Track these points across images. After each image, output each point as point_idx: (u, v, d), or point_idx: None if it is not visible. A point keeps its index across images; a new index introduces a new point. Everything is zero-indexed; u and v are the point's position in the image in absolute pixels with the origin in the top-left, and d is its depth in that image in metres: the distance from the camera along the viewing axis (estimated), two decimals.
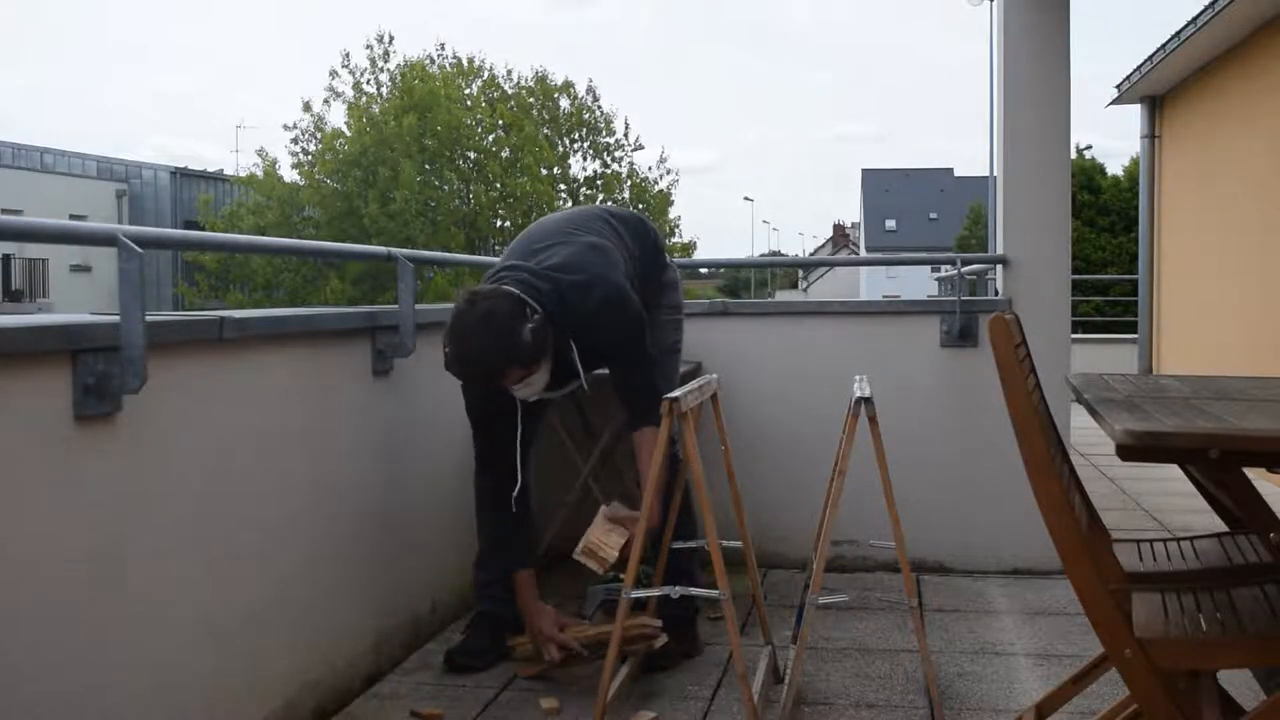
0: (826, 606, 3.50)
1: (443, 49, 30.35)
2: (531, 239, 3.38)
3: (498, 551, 3.44)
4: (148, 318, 2.26)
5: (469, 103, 26.21)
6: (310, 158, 25.74)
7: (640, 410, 3.24)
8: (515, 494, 3.31)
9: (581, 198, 27.86)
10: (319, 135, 25.78)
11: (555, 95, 28.17)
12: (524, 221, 26.01)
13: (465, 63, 26.92)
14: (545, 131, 27.08)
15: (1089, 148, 19.55)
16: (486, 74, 27.32)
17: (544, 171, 26.35)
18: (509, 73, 28.07)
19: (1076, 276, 11.04)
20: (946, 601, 4.06)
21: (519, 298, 3.06)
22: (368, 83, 26.00)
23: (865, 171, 67.75)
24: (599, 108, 28.51)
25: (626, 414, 3.36)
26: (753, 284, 56.21)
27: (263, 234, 22.98)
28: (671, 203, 28.87)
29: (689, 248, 29.23)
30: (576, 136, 28.36)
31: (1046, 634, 3.64)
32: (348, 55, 26.06)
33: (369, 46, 26.11)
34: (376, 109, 25.47)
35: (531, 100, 27.72)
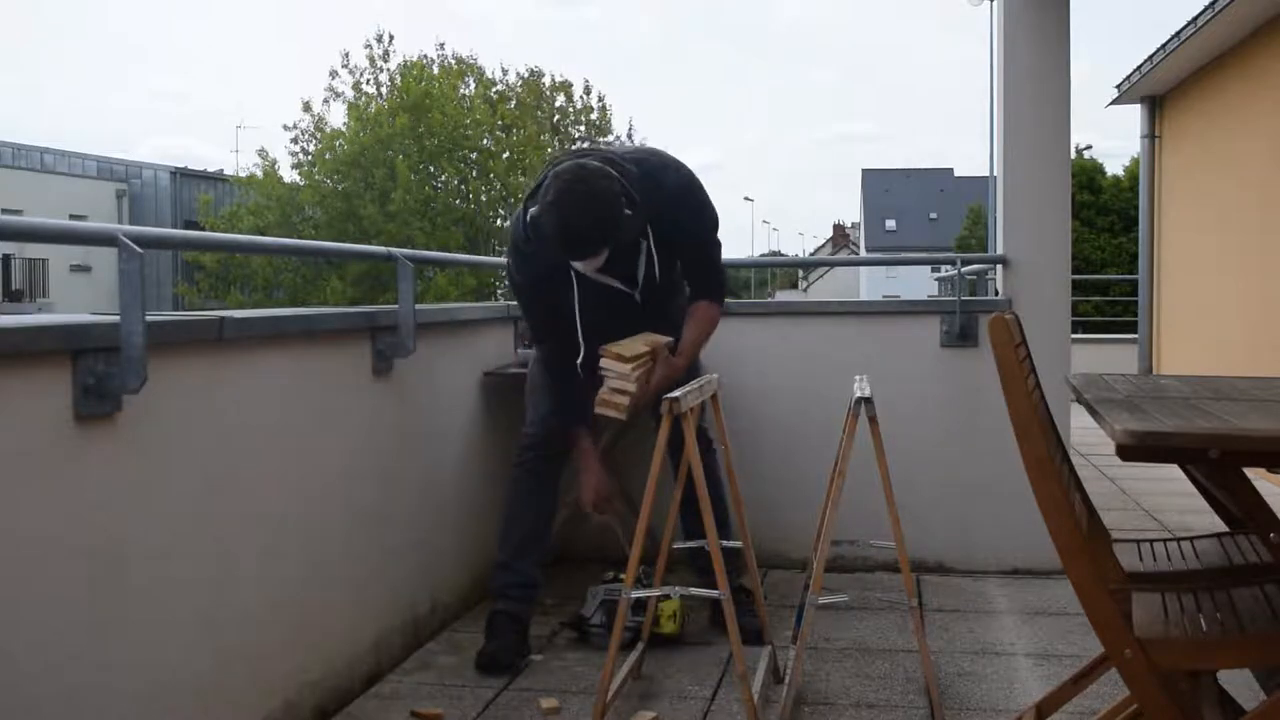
0: (826, 606, 3.50)
1: (442, 48, 30.38)
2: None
3: (564, 411, 3.47)
4: (148, 318, 2.26)
5: (467, 103, 26.18)
6: (310, 158, 25.73)
7: (707, 285, 3.45)
8: (580, 360, 3.31)
9: None
10: (319, 135, 25.78)
11: (551, 94, 28.14)
12: None
13: (456, 63, 26.89)
14: (544, 135, 27.06)
15: (1089, 148, 19.60)
16: (483, 73, 27.29)
17: None
18: (505, 72, 28.10)
19: (1076, 276, 11.04)
20: (946, 601, 4.06)
21: (620, 180, 3.09)
22: (367, 83, 26.01)
23: (865, 171, 67.74)
24: (601, 107, 28.52)
25: (691, 289, 3.47)
26: (753, 284, 56.19)
27: (263, 234, 22.96)
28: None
29: None
30: (577, 136, 28.34)
31: (1046, 634, 3.64)
32: (347, 55, 26.07)
33: (368, 46, 26.12)
34: (374, 108, 25.46)
35: (530, 100, 27.70)
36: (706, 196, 3.40)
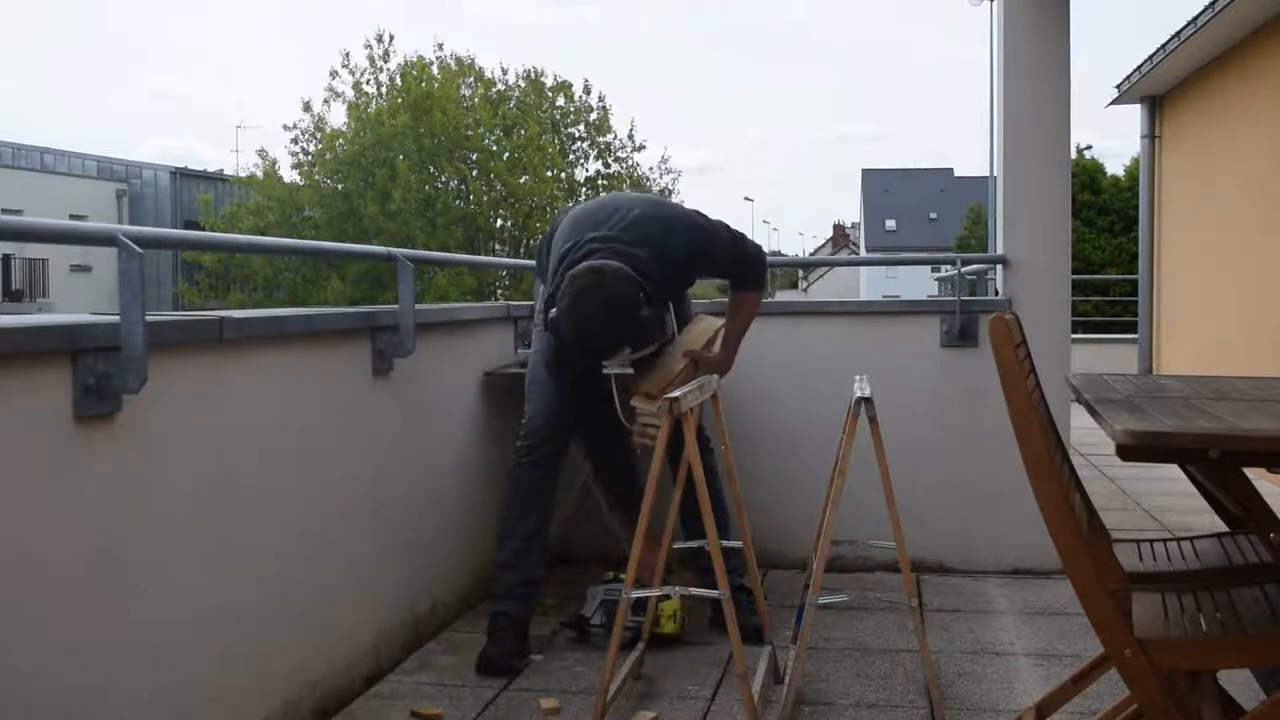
0: (826, 606, 3.50)
1: (440, 48, 30.37)
2: (591, 214, 3.46)
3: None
4: (148, 318, 2.26)
5: (468, 103, 26.18)
6: (310, 158, 25.73)
7: (745, 279, 3.57)
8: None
9: (583, 196, 27.86)
10: (319, 135, 25.78)
11: (552, 94, 28.14)
12: (524, 221, 26.02)
13: (456, 63, 26.88)
14: (545, 135, 27.06)
15: (1089, 148, 19.59)
16: (482, 73, 27.28)
17: (549, 173, 26.33)
18: (504, 72, 28.09)
19: (1076, 276, 11.03)
20: (946, 601, 4.06)
21: (637, 280, 3.14)
22: (368, 83, 26.01)
23: (865, 171, 67.73)
24: (603, 107, 28.51)
25: (731, 285, 3.59)
26: None
27: (263, 234, 22.96)
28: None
29: None
30: (576, 135, 28.35)
31: (1046, 634, 3.64)
32: (347, 55, 26.07)
33: (368, 46, 26.12)
34: (374, 108, 25.46)
35: (529, 100, 27.70)
36: (714, 227, 3.47)
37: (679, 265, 3.38)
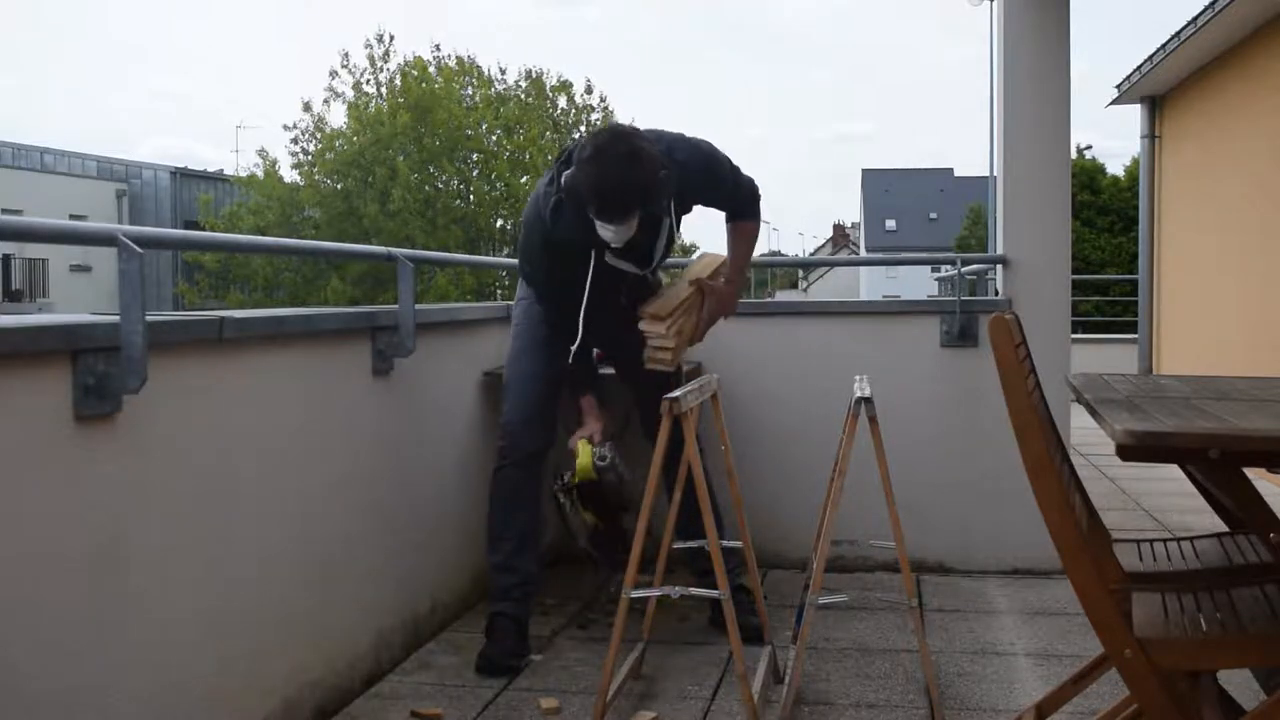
0: (826, 606, 3.50)
1: (438, 49, 30.36)
2: None
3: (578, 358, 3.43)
4: (148, 318, 2.26)
5: (468, 103, 26.19)
6: (310, 158, 25.73)
7: (742, 208, 3.57)
8: (575, 347, 3.36)
9: None
10: (319, 135, 25.78)
11: (553, 94, 28.14)
12: None
13: (457, 63, 26.88)
14: (546, 134, 27.06)
15: (1089, 148, 19.59)
16: (481, 74, 27.28)
17: None
18: (503, 72, 28.10)
19: (1076, 276, 11.04)
20: (946, 601, 4.06)
21: (655, 148, 3.14)
22: (367, 83, 26.02)
23: (865, 171, 67.74)
24: (604, 107, 28.50)
25: (732, 215, 3.58)
26: (753, 284, 56.15)
27: (263, 234, 22.97)
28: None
29: (689, 249, 29.24)
30: (577, 136, 28.34)
31: (1046, 634, 3.64)
32: (347, 55, 26.07)
33: (369, 46, 26.12)
34: (373, 108, 25.46)
35: (529, 100, 27.69)
36: (715, 151, 3.47)
37: (689, 176, 3.34)
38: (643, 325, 3.32)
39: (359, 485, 3.27)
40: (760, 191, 3.59)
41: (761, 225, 3.66)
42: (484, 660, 3.35)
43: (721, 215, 3.63)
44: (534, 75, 28.06)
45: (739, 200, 3.56)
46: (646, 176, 3.07)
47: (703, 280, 3.51)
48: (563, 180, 3.17)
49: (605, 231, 3.15)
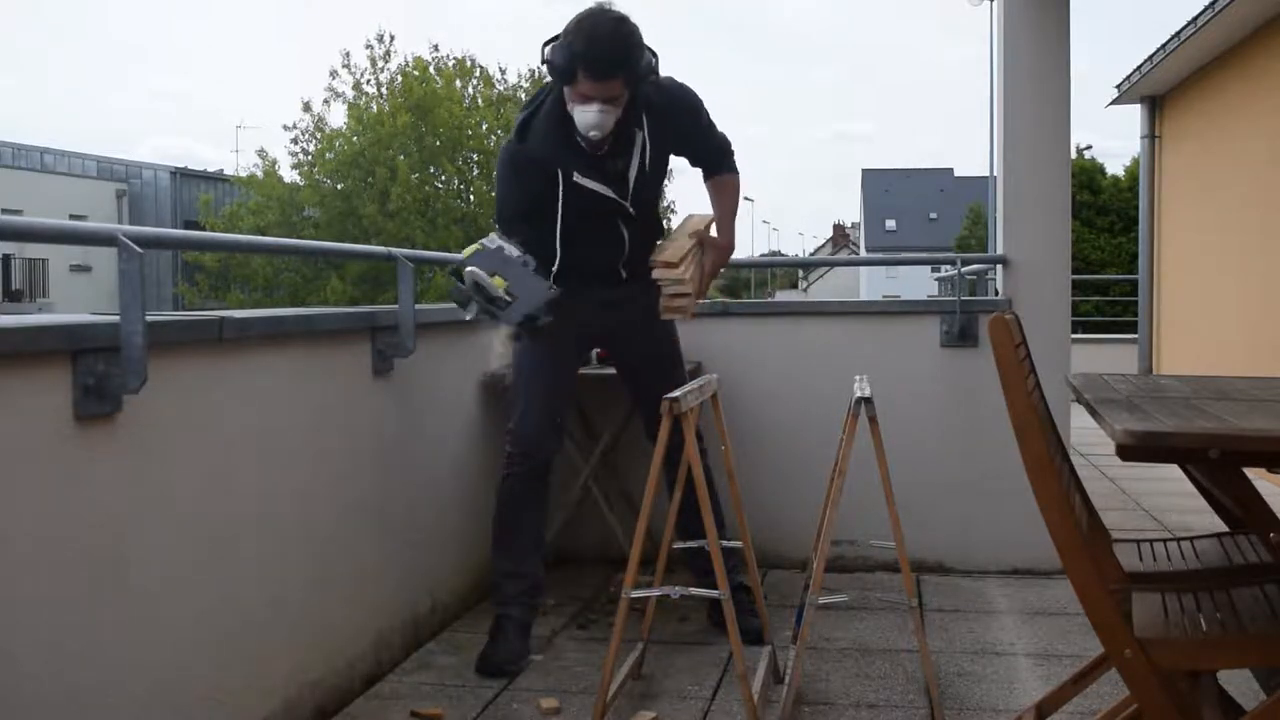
0: (826, 606, 3.50)
1: (437, 49, 30.34)
2: None
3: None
4: (148, 318, 2.26)
5: (468, 103, 26.18)
6: (310, 158, 25.73)
7: (720, 160, 3.56)
8: (555, 268, 3.32)
9: None
10: (319, 135, 25.77)
11: None
12: None
13: (458, 63, 26.87)
14: None
15: (1089, 148, 19.58)
16: (481, 73, 27.27)
17: None
18: (503, 72, 28.08)
19: (1076, 276, 11.03)
20: (946, 601, 4.06)
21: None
22: (368, 83, 26.01)
23: (865, 171, 67.75)
24: None
25: (706, 167, 3.57)
26: (753, 284, 56.19)
27: (263, 234, 22.96)
28: (674, 212, 28.81)
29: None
30: None
31: (1046, 634, 3.64)
32: (348, 55, 26.05)
33: (369, 46, 26.12)
34: (375, 108, 25.46)
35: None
36: (698, 97, 3.49)
37: (673, 108, 3.39)
38: (656, 274, 3.34)
39: (359, 485, 3.27)
40: (732, 147, 3.60)
41: (739, 181, 3.65)
42: (485, 662, 3.35)
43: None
44: (536, 75, 28.03)
45: (714, 149, 3.55)
46: (634, 35, 3.17)
47: (701, 232, 3.52)
48: (546, 53, 3.19)
49: (587, 113, 3.16)
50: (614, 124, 3.22)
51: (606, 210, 3.38)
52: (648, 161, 3.37)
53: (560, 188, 3.29)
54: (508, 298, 3.17)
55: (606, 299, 3.49)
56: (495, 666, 3.33)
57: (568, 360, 3.55)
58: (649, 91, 3.31)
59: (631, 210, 3.40)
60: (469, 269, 3.18)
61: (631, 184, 3.37)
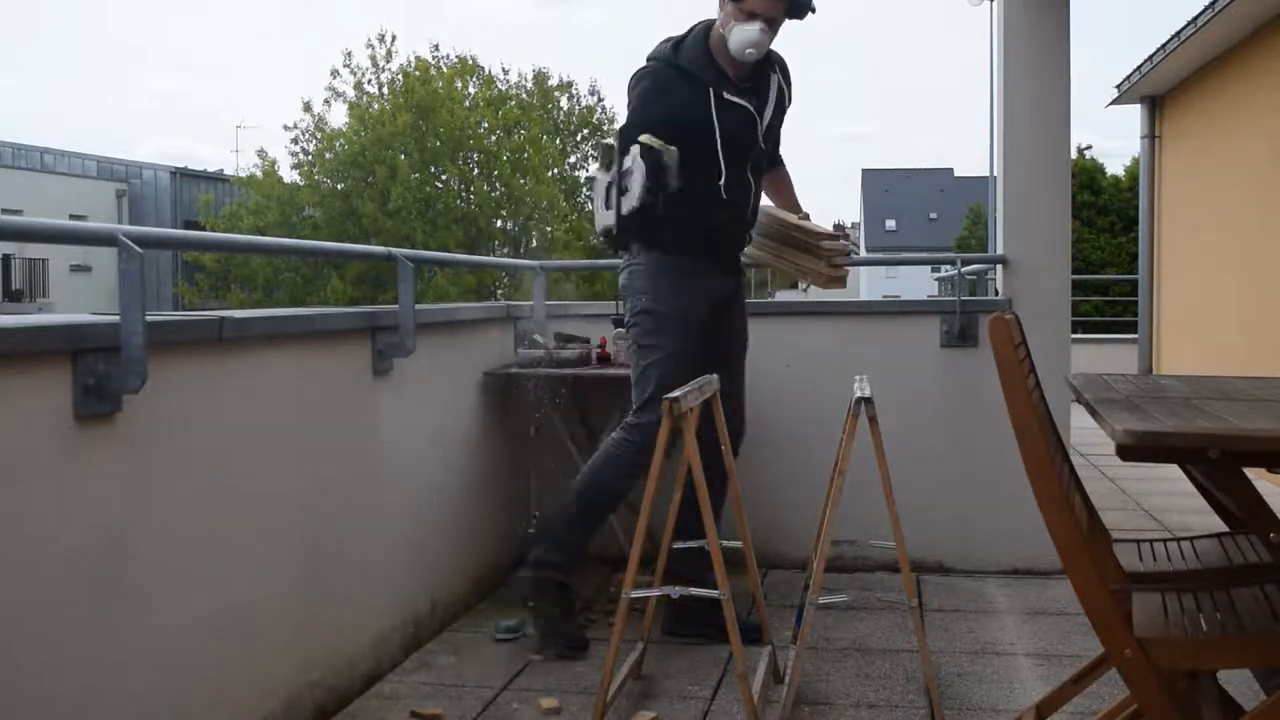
0: (826, 606, 3.50)
1: (437, 49, 30.36)
2: None
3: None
4: (148, 318, 2.26)
5: (469, 103, 26.17)
6: (310, 158, 25.73)
7: (779, 153, 3.80)
8: (723, 183, 3.44)
9: (582, 197, 27.84)
10: (319, 135, 25.77)
11: (555, 95, 28.14)
12: (527, 223, 26.02)
13: (460, 63, 26.88)
14: (545, 136, 27.06)
15: (1089, 148, 19.56)
16: (483, 73, 27.28)
17: (550, 173, 26.32)
18: (506, 73, 28.08)
19: (1076, 276, 11.03)
20: (946, 601, 4.06)
21: None
22: (369, 83, 26.01)
23: (865, 171, 67.75)
24: (603, 108, 28.51)
25: (776, 159, 3.78)
26: (753, 284, 56.14)
27: (263, 234, 22.95)
28: None
29: None
30: (580, 137, 28.35)
31: (1046, 634, 3.64)
32: (349, 55, 26.06)
33: (370, 46, 26.12)
34: (376, 108, 25.46)
35: (532, 101, 27.69)
36: None
37: (790, 83, 3.67)
38: (825, 244, 3.52)
39: (359, 485, 3.27)
40: None
41: None
42: (568, 646, 3.47)
43: None
44: (539, 75, 28.06)
45: (779, 140, 3.76)
46: None
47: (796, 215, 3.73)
48: None
49: (749, 30, 3.35)
50: (768, 41, 3.43)
51: (743, 144, 3.50)
52: (774, 110, 3.58)
53: (711, 105, 3.43)
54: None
55: (731, 262, 3.67)
56: (575, 648, 3.48)
57: (701, 336, 3.57)
58: (778, 56, 3.59)
59: (764, 145, 3.57)
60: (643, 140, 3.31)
61: (764, 124, 3.55)
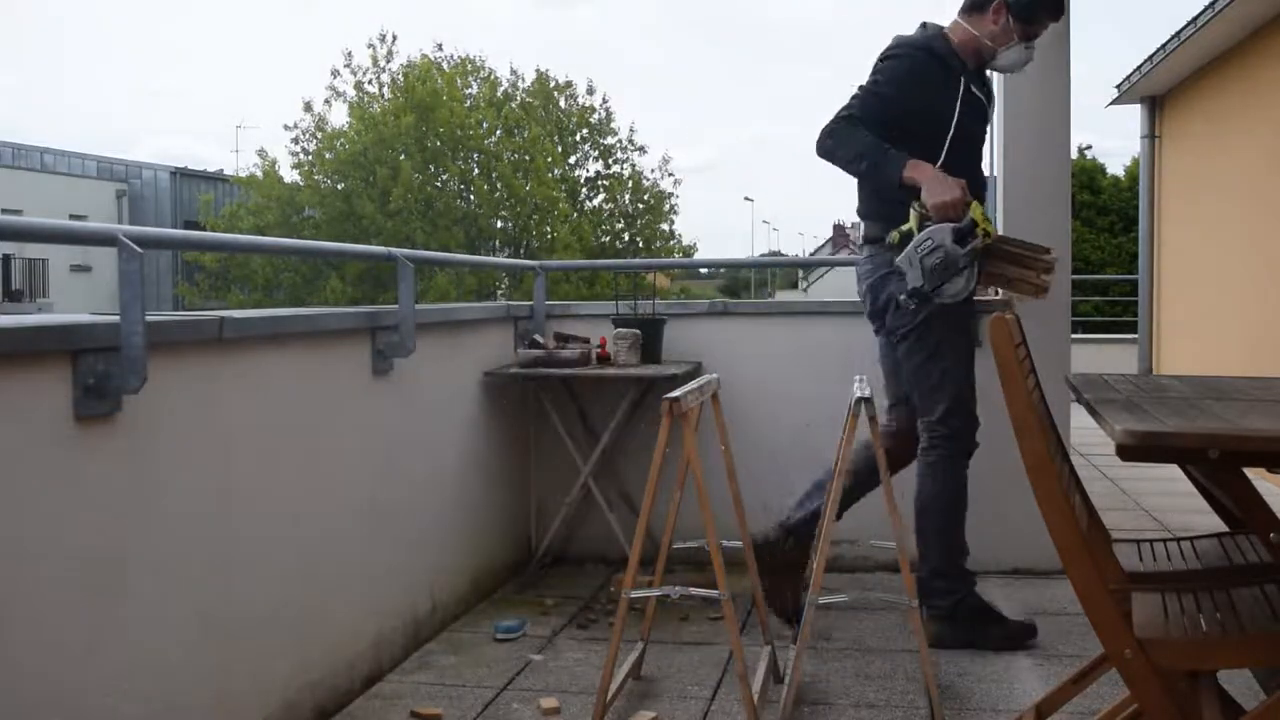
0: (826, 606, 3.50)
1: (440, 48, 30.37)
2: None
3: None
4: (148, 318, 2.26)
5: (470, 103, 26.18)
6: (310, 158, 25.73)
7: None
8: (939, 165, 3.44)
9: (582, 197, 27.87)
10: (319, 135, 25.78)
11: (555, 95, 28.15)
12: (527, 223, 26.04)
13: (462, 63, 26.88)
14: (548, 137, 27.05)
15: (1089, 148, 19.53)
16: (485, 74, 27.29)
17: (551, 174, 26.32)
18: (514, 73, 28.07)
19: (1076, 276, 11.03)
20: None
21: None
22: (369, 82, 26.02)
23: None
24: (606, 109, 28.51)
25: None
26: (753, 284, 56.15)
27: (263, 234, 22.96)
28: (677, 213, 28.79)
29: (689, 249, 29.25)
30: (580, 137, 28.34)
31: (1046, 634, 3.64)
32: (350, 55, 26.06)
33: (371, 46, 26.13)
34: (377, 108, 25.46)
35: (533, 102, 27.68)
36: None
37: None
38: (1040, 256, 3.52)
39: (359, 485, 3.27)
40: None
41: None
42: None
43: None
44: (540, 76, 28.04)
45: None
46: None
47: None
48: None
49: (1025, 51, 3.58)
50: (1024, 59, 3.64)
51: (979, 138, 3.62)
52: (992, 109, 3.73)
53: (960, 93, 3.50)
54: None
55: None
56: (1015, 643, 3.49)
57: (971, 340, 3.62)
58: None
59: (986, 145, 3.69)
60: (934, 229, 3.29)
61: (989, 120, 3.67)
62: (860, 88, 3.52)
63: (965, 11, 3.61)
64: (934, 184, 3.31)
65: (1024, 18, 3.53)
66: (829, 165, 3.48)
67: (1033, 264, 3.51)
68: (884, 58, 3.59)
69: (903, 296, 3.37)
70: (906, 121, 3.45)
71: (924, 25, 3.64)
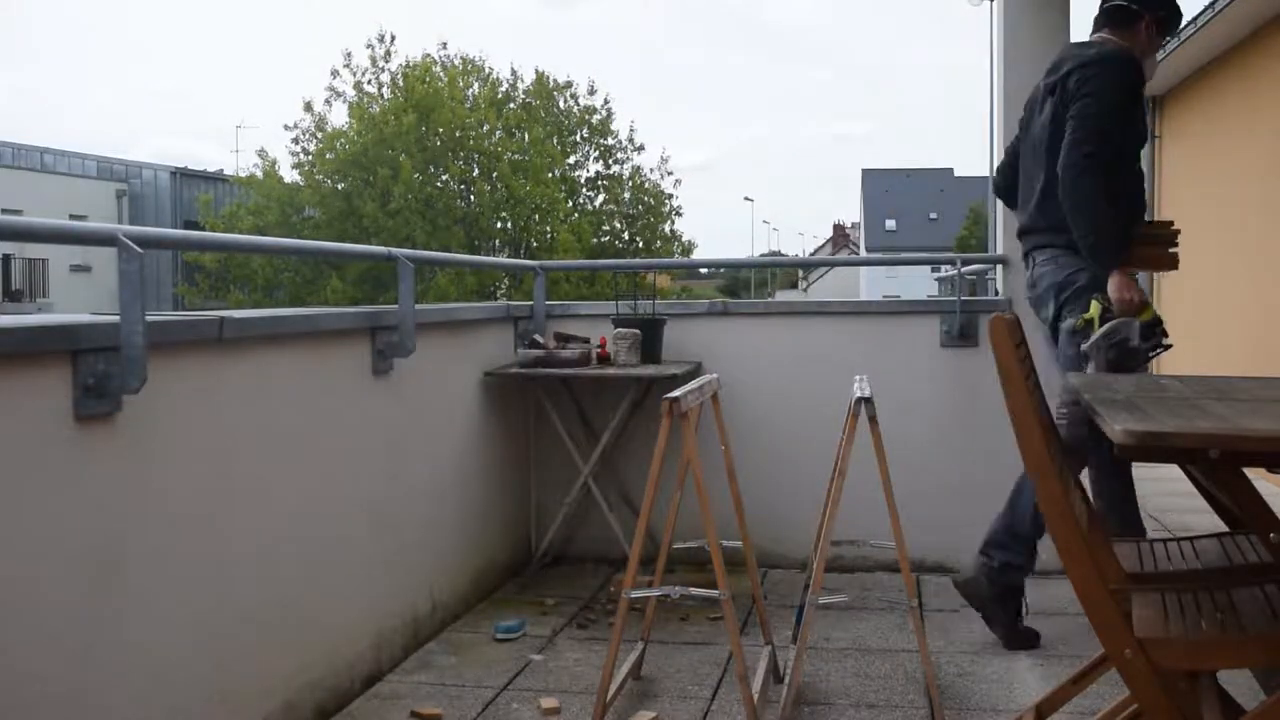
0: (826, 606, 3.50)
1: (444, 47, 30.36)
2: None
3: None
4: (148, 318, 2.27)
5: (470, 104, 26.17)
6: (310, 158, 25.73)
7: None
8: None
9: (583, 198, 27.86)
10: (319, 135, 25.77)
11: (556, 95, 28.14)
12: (527, 224, 26.03)
13: (462, 63, 26.88)
14: (548, 138, 27.05)
15: None
16: (486, 74, 27.29)
17: (551, 175, 26.31)
18: (515, 73, 28.05)
19: None
20: (946, 601, 4.06)
21: None
22: (369, 82, 26.01)
23: (865, 171, 67.71)
24: (608, 109, 28.49)
25: None
26: (753, 284, 56.23)
27: (263, 234, 22.95)
28: (679, 214, 28.76)
29: (689, 249, 29.24)
30: (579, 137, 28.33)
31: (1046, 634, 3.64)
32: (349, 55, 26.05)
33: (370, 46, 26.12)
34: (377, 109, 25.46)
35: (535, 102, 27.68)
36: None
37: None
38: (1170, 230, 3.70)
39: (359, 485, 3.27)
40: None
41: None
42: (1023, 641, 3.54)
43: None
44: (540, 76, 28.03)
45: None
46: None
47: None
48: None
49: (1155, 62, 3.64)
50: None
51: (1139, 151, 3.63)
52: None
53: (1146, 115, 3.60)
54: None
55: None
56: (1015, 643, 3.53)
57: None
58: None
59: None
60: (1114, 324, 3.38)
61: None
62: (1079, 106, 3.41)
63: (1115, 26, 3.59)
64: (1121, 282, 3.39)
65: (1165, 30, 3.61)
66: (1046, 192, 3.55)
67: (1163, 241, 3.63)
68: (1095, 64, 3.46)
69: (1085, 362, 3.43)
70: (1125, 142, 3.46)
71: (1100, 39, 3.61)
